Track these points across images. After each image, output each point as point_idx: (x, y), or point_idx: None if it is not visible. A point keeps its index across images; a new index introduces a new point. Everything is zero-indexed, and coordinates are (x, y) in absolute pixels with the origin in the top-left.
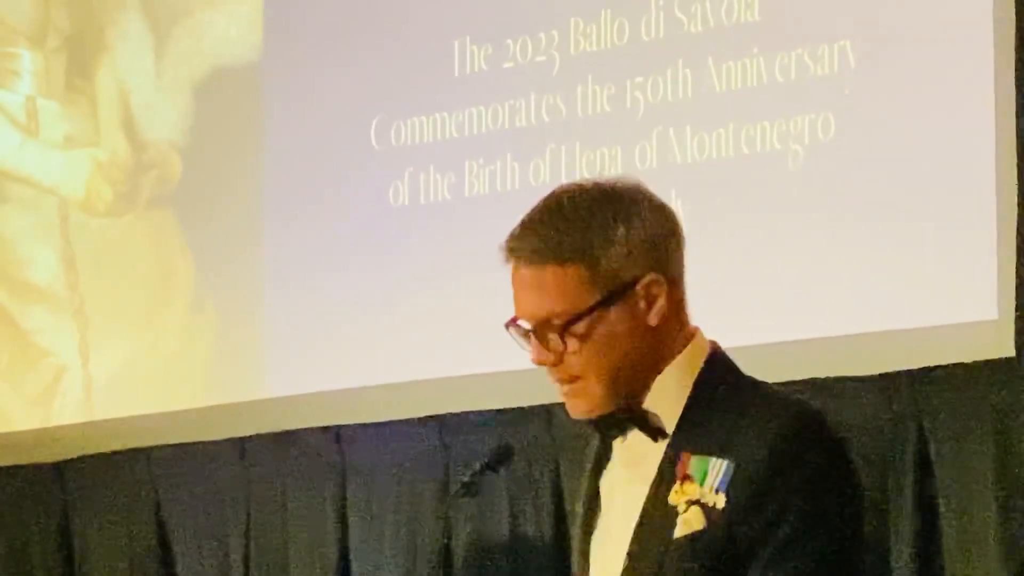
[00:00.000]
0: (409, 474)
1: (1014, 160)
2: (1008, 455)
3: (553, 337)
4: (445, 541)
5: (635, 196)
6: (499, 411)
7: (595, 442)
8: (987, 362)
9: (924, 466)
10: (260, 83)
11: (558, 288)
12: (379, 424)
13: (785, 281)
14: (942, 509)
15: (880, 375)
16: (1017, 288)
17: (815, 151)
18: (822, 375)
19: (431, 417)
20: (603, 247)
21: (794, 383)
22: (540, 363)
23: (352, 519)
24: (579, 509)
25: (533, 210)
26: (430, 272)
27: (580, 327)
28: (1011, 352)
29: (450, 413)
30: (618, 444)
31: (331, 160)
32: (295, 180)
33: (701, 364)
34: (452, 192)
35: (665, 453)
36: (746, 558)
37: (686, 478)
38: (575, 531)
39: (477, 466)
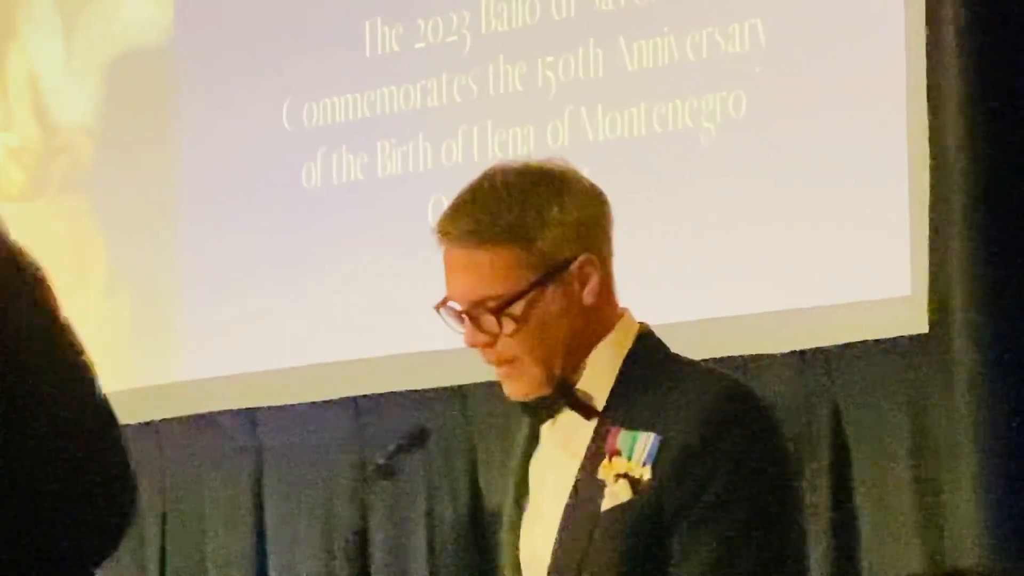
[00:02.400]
0: (325, 456)
1: (926, 135)
2: (922, 430)
3: (488, 319)
4: (362, 523)
5: (567, 176)
6: (415, 392)
7: (524, 428)
8: (901, 338)
9: (839, 443)
10: (171, 66)
11: (493, 270)
12: (295, 406)
13: (699, 259)
14: (857, 485)
15: (794, 352)
16: (931, 264)
17: (727, 129)
18: (737, 353)
19: (346, 399)
20: (538, 227)
21: (709, 361)
22: (474, 345)
23: (268, 502)
24: (508, 495)
25: (464, 191)
26: (344, 253)
27: (516, 308)
28: (925, 328)
29: (365, 395)
30: (547, 428)
31: (244, 142)
32: (208, 163)
33: (630, 343)
34: (365, 172)
35: (595, 429)
36: (672, 528)
37: (615, 452)
38: (505, 517)
39: (392, 448)
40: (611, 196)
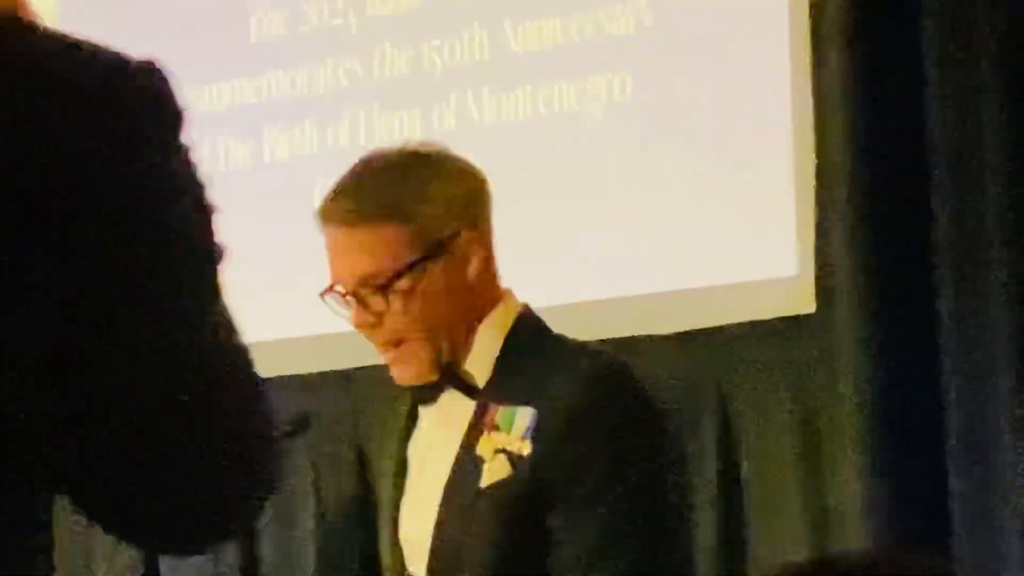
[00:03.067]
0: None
1: (811, 115)
2: (807, 411)
3: (374, 298)
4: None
5: (443, 155)
6: (300, 377)
7: (402, 410)
8: (787, 319)
9: (724, 424)
10: None
11: (376, 247)
12: None
13: (584, 241)
14: (743, 466)
15: (678, 334)
16: (816, 243)
17: (613, 111)
18: (621, 334)
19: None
20: (419, 204)
21: (594, 343)
22: (360, 326)
23: None
24: (387, 477)
25: (344, 175)
26: (230, 239)
27: (403, 284)
28: (811, 308)
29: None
30: (426, 409)
31: None
32: None
33: (511, 322)
34: (251, 158)
35: (476, 407)
36: (552, 504)
37: (494, 428)
38: (384, 499)
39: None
40: (497, 179)
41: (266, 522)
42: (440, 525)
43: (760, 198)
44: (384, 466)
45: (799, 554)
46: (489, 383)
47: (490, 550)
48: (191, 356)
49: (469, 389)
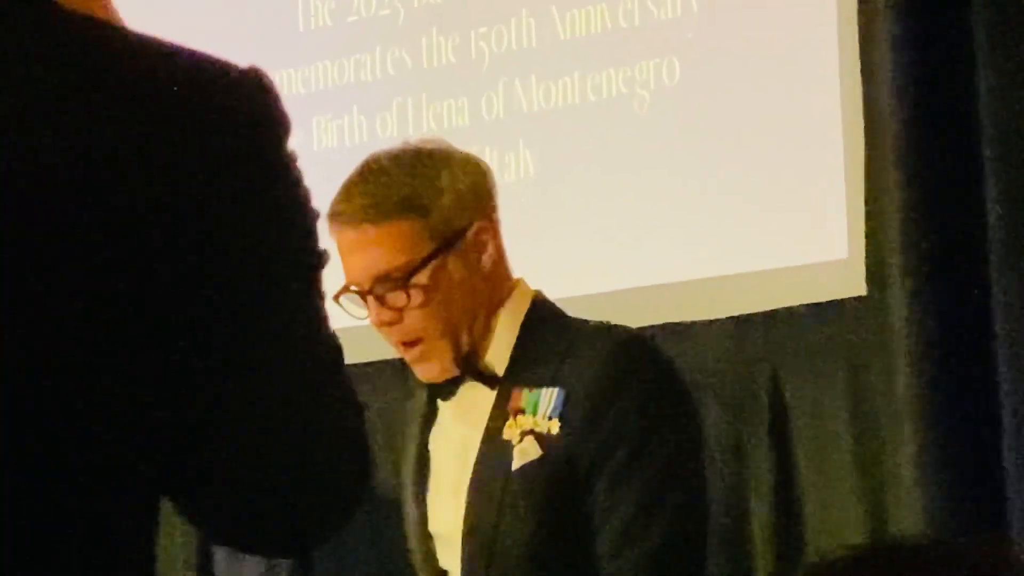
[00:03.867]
0: None
1: (860, 96)
2: (860, 393)
3: (393, 294)
4: None
5: (448, 149)
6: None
7: (417, 404)
8: (838, 302)
9: (778, 409)
10: None
11: (393, 242)
12: None
13: (635, 227)
14: (797, 450)
15: (732, 318)
16: (867, 226)
17: (661, 96)
18: (674, 320)
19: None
20: (432, 197)
21: (646, 329)
22: (381, 324)
23: None
24: (408, 471)
25: (352, 174)
26: None
27: (422, 277)
28: (862, 291)
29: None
30: (445, 402)
31: None
32: None
33: (526, 309)
34: (300, 148)
35: (497, 394)
36: (586, 481)
37: (518, 412)
38: (406, 493)
39: None
40: (547, 166)
41: None
42: (471, 515)
43: (810, 181)
44: (406, 467)
45: (855, 538)
46: (509, 370)
47: (526, 532)
48: (302, 360)
49: (491, 380)
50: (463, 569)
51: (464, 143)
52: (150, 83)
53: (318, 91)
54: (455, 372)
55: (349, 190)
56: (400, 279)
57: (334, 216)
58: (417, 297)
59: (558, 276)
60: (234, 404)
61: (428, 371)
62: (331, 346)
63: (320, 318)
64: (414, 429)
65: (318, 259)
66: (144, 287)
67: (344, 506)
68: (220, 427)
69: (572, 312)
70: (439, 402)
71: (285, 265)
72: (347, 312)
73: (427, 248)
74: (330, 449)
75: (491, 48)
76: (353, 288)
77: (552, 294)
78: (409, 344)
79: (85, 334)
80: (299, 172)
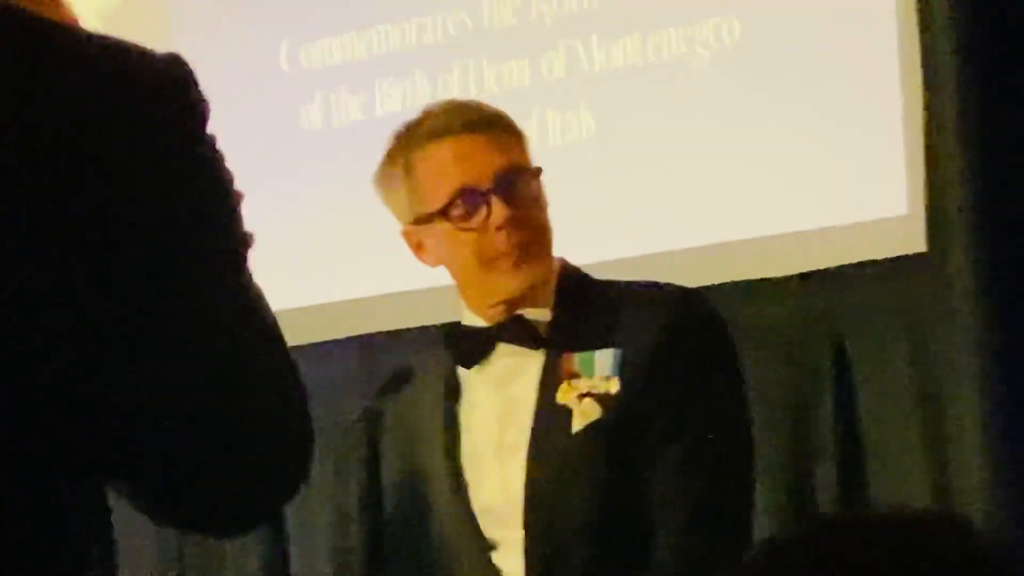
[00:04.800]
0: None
1: (919, 52)
2: (923, 350)
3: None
4: (373, 466)
5: None
6: (425, 329)
7: (435, 382)
8: (899, 258)
9: (841, 366)
10: (167, 10)
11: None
12: (303, 347)
13: (696, 186)
14: (860, 406)
15: (794, 276)
16: (926, 182)
17: (721, 55)
18: (736, 278)
19: (354, 337)
20: (519, 130)
21: (709, 288)
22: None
23: None
24: (435, 453)
25: (430, 107)
26: (347, 192)
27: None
28: (922, 247)
29: (376, 332)
30: (473, 374)
31: (242, 85)
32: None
33: (556, 277)
34: (364, 112)
35: (545, 359)
36: (645, 435)
37: (572, 376)
38: (435, 462)
39: (377, 390)
40: (609, 125)
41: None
42: (533, 482)
43: (869, 137)
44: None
45: (918, 494)
46: (551, 334)
47: (590, 492)
48: (234, 340)
49: (534, 338)
50: (527, 533)
51: (525, 104)
52: (72, 72)
53: (380, 55)
54: (546, 294)
55: (445, 110)
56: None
57: (433, 132)
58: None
59: (620, 235)
60: (166, 385)
61: (531, 274)
62: (265, 325)
63: (251, 297)
64: (435, 406)
65: (244, 240)
66: (72, 273)
67: (285, 484)
68: (154, 409)
69: (639, 272)
70: (463, 375)
71: (211, 247)
72: (456, 223)
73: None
74: (266, 428)
75: (552, 9)
76: (476, 188)
77: (615, 253)
78: (525, 244)
79: (15, 322)
80: (221, 155)
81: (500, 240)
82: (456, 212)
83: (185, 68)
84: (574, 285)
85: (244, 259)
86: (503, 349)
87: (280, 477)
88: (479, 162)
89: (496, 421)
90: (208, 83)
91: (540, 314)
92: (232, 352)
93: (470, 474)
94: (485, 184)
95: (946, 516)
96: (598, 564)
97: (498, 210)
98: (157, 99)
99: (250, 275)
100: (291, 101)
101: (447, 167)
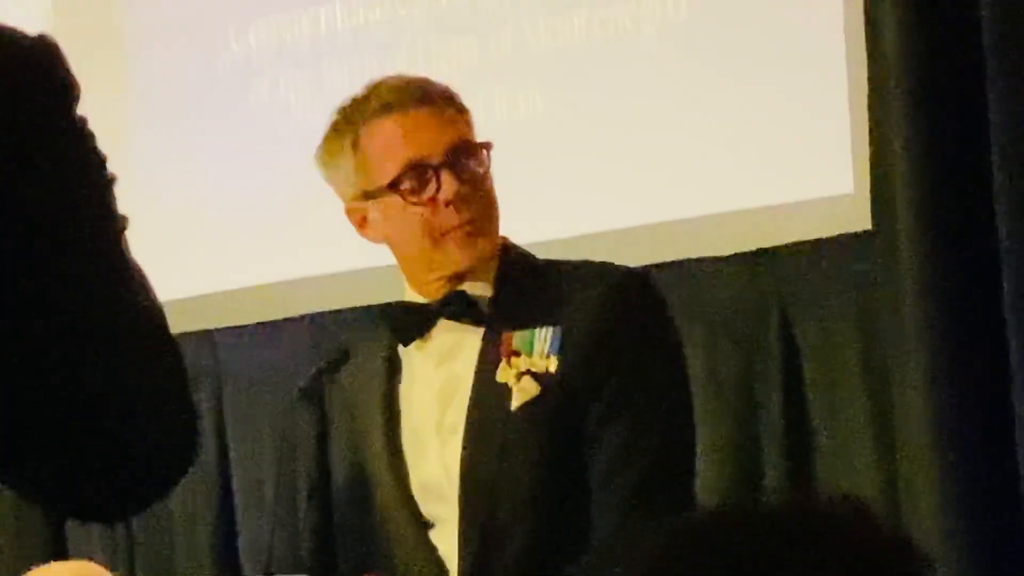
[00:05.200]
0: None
1: (862, 31)
2: (870, 328)
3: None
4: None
5: None
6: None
7: (374, 359)
8: (845, 236)
9: (788, 344)
10: None
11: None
12: (252, 327)
13: (643, 164)
14: (807, 385)
15: (739, 254)
16: (871, 160)
17: (667, 31)
18: (682, 257)
19: (303, 316)
20: (464, 106)
21: (655, 266)
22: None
23: (229, 422)
24: (374, 429)
25: (384, 78)
26: (294, 176)
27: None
28: (868, 225)
29: (324, 311)
30: (412, 351)
31: (192, 64)
32: (156, 87)
33: (499, 251)
34: (312, 90)
35: (483, 338)
36: (584, 414)
37: (512, 354)
38: (374, 440)
39: (313, 371)
40: (556, 101)
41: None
42: (469, 458)
43: (815, 115)
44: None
45: (866, 471)
46: (492, 312)
47: (530, 471)
48: (111, 324)
49: (476, 314)
50: (463, 512)
51: (473, 82)
52: None
53: (327, 33)
54: (489, 261)
55: (393, 86)
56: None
57: (382, 107)
58: (487, 169)
59: (567, 214)
60: (43, 372)
61: (480, 248)
62: (145, 308)
63: (128, 280)
64: (374, 383)
65: (119, 222)
66: None
67: (168, 470)
68: (31, 395)
69: (585, 251)
70: (403, 352)
71: (85, 230)
72: (404, 196)
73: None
74: (147, 413)
75: None
76: (426, 162)
77: (561, 232)
78: (474, 219)
79: None
80: (92, 136)
81: (450, 214)
82: (405, 186)
83: (51, 49)
84: (516, 263)
85: (119, 241)
86: (444, 325)
87: (164, 463)
88: (429, 137)
89: (436, 398)
90: (157, 63)
91: (482, 289)
92: (109, 336)
93: (410, 451)
94: (435, 158)
95: (847, 501)
96: (535, 544)
97: (448, 184)
98: (22, 79)
99: (129, 257)
100: (240, 81)
101: (396, 141)
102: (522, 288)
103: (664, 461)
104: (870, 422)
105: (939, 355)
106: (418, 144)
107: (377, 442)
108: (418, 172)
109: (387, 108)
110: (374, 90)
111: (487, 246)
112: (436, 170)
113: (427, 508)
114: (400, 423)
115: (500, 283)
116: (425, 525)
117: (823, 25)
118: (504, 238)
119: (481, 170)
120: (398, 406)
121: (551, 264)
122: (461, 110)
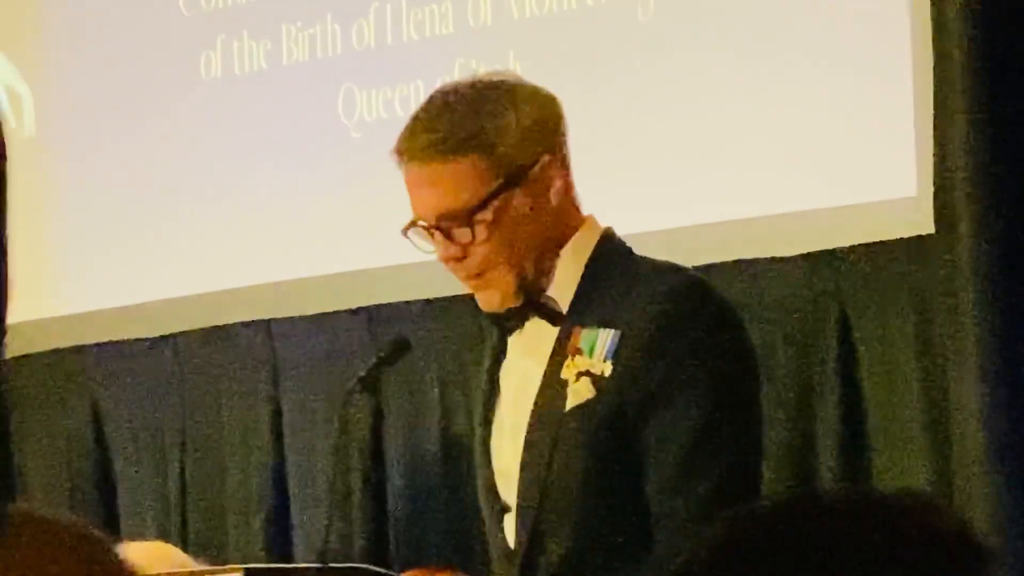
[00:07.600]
0: (338, 366)
1: (929, 34)
2: (928, 332)
3: (459, 230)
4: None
5: (515, 83)
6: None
7: (491, 340)
8: (906, 239)
9: (846, 347)
10: None
11: (458, 179)
12: (308, 317)
13: (703, 161)
14: (865, 388)
15: (800, 255)
16: (935, 164)
17: (724, 32)
18: (742, 257)
19: (359, 308)
20: (497, 133)
21: (714, 266)
22: (447, 260)
23: (285, 411)
24: (478, 403)
25: (418, 111)
26: (251, 148)
27: (487, 214)
28: (930, 229)
29: (380, 304)
30: (514, 338)
31: (136, 30)
32: (93, 56)
33: (593, 246)
34: (269, 61)
35: (559, 332)
36: (637, 423)
37: (577, 351)
38: (476, 431)
39: (373, 360)
40: (539, 80)
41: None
42: (527, 451)
43: (879, 117)
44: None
45: (921, 474)
46: (572, 308)
47: (579, 471)
48: None
49: (552, 315)
50: (517, 504)
51: (448, 54)
52: None
53: None
54: (516, 302)
55: (415, 126)
56: (464, 216)
57: (400, 152)
58: (481, 233)
59: (614, 213)
60: None
61: (489, 300)
62: None
63: None
64: (486, 362)
65: None
66: None
67: None
68: None
69: (641, 249)
70: (508, 338)
71: None
72: (415, 246)
73: (492, 185)
74: None
75: None
76: (421, 223)
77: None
78: (474, 276)
79: None
80: None
81: (454, 269)
82: (412, 236)
83: None
84: (606, 259)
85: None
86: (536, 317)
87: None
88: (427, 198)
89: (516, 386)
90: (101, 27)
91: (563, 289)
92: None
93: (496, 433)
94: (431, 220)
95: (917, 496)
96: (575, 547)
97: (440, 248)
98: None
99: None
100: (191, 48)
101: (409, 190)
102: (603, 285)
103: (733, 470)
104: (927, 426)
105: (996, 359)
106: (417, 203)
107: (478, 424)
108: (418, 231)
109: (402, 153)
110: (408, 123)
111: (506, 290)
112: (430, 231)
113: (505, 495)
114: (497, 403)
115: (586, 278)
116: (503, 510)
117: (889, 26)
118: (607, 229)
119: (478, 232)
120: (499, 387)
121: (640, 262)
122: (485, 151)
